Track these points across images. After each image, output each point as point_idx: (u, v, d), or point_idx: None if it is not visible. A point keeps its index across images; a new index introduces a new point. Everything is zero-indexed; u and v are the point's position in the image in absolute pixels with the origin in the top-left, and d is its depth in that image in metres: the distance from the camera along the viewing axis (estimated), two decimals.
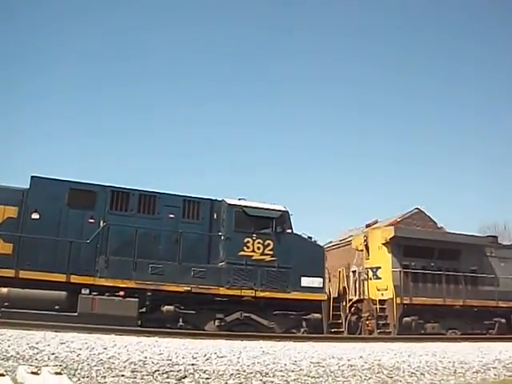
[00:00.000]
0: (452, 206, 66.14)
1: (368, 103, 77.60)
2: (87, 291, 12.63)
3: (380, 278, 16.34)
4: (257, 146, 77.66)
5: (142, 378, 6.57)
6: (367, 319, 15.87)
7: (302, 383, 6.91)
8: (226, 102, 77.64)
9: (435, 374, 8.22)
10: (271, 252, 14.38)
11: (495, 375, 8.53)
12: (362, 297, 16.56)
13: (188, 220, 14.30)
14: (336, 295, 15.90)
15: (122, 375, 6.60)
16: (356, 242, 18.19)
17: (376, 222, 31.09)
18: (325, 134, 77.11)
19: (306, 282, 14.58)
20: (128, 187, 14.11)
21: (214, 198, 14.77)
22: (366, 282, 16.63)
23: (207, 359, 7.89)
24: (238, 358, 8.15)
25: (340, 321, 15.39)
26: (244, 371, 7.26)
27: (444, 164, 74.91)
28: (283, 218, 14.77)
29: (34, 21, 67.12)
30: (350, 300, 16.05)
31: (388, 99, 76.17)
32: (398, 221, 29.72)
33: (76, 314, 12.30)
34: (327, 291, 14.95)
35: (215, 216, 14.58)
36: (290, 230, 14.82)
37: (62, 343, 8.21)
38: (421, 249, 16.60)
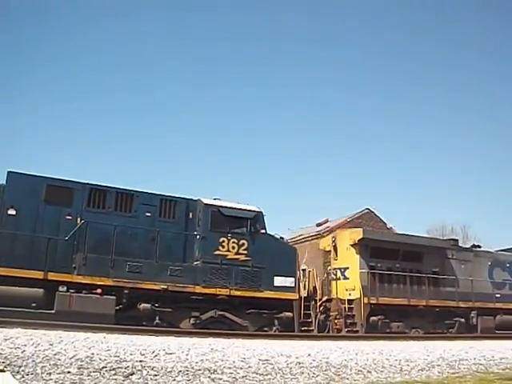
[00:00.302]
0: (401, 207, 67.83)
1: (315, 102, 78.37)
2: (64, 288, 12.61)
3: (348, 279, 16.83)
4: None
5: (88, 375, 6.49)
6: (335, 318, 16.32)
7: (251, 380, 6.94)
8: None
9: (381, 371, 8.36)
10: (245, 252, 14.65)
11: (439, 372, 8.75)
12: (330, 296, 16.99)
13: (164, 219, 14.43)
14: (306, 295, 16.25)
15: (68, 372, 6.50)
16: (324, 243, 18.65)
17: (327, 221, 31.62)
18: (281, 134, 77.58)
19: (278, 281, 14.93)
20: (105, 185, 14.12)
21: (190, 198, 14.94)
22: (334, 282, 17.08)
23: (155, 356, 7.86)
24: (187, 354, 8.15)
25: (310, 320, 15.75)
26: (192, 368, 7.27)
27: (395, 165, 76.60)
28: (257, 218, 15.07)
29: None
30: (320, 299, 16.43)
31: (335, 98, 77.14)
32: (348, 220, 30.03)
33: (53, 311, 12.28)
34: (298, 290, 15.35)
35: (191, 215, 14.76)
36: (263, 231, 15.15)
37: (6, 339, 8.07)
38: (387, 250, 17.18)
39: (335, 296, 16.80)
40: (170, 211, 14.56)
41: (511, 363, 10.26)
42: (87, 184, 13.90)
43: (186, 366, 7.29)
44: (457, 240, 20.62)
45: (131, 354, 7.70)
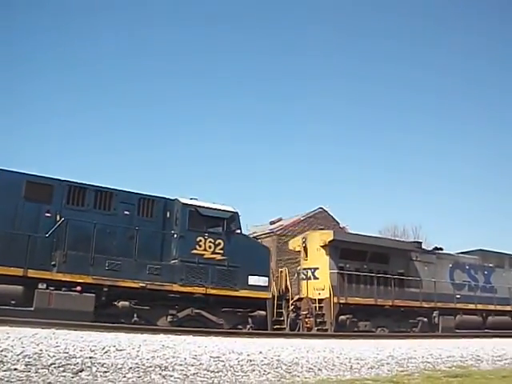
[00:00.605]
0: (355, 208, 69.06)
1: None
2: (44, 286, 12.65)
3: (318, 279, 17.33)
4: None
5: (36, 372, 6.36)
6: (306, 317, 16.80)
7: (202, 377, 6.90)
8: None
9: (332, 369, 8.41)
10: (221, 251, 14.98)
11: (388, 370, 8.81)
12: (300, 295, 17.46)
13: (142, 218, 14.61)
14: (278, 294, 16.67)
15: (15, 369, 6.35)
16: (294, 244, 19.10)
17: (280, 220, 31.94)
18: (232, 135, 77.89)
19: (253, 280, 15.32)
20: (84, 182, 14.20)
21: (167, 197, 15.16)
22: (304, 282, 17.56)
23: (106, 352, 7.77)
24: (138, 351, 8.08)
25: (282, 318, 16.19)
26: (143, 365, 7.23)
27: (349, 166, 77.86)
28: (233, 218, 15.43)
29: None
30: (292, 298, 16.89)
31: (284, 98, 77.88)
32: (301, 219, 30.16)
33: (32, 308, 12.31)
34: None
35: (168, 214, 14.98)
36: (239, 231, 15.53)
37: None
38: (355, 252, 17.80)
39: (305, 295, 17.26)
40: (148, 210, 14.76)
41: (457, 361, 10.52)
42: (66, 181, 13.94)
43: (137, 363, 7.27)
44: (420, 243, 21.47)
45: (81, 351, 7.64)
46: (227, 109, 74.94)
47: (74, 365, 6.82)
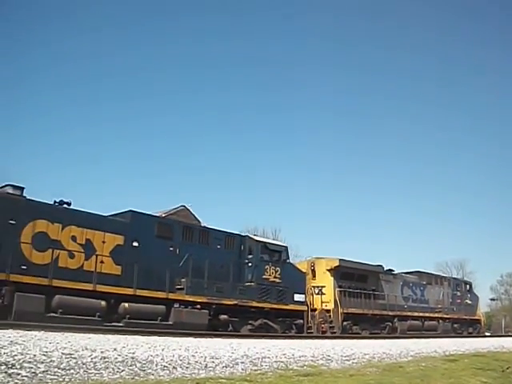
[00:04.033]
0: (218, 208, 74.23)
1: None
2: (177, 305, 16.68)
3: (324, 294, 22.85)
4: None
5: None
6: (321, 323, 22.24)
7: (52, 375, 6.56)
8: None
9: (187, 367, 8.37)
10: (279, 276, 19.91)
11: (242, 369, 8.83)
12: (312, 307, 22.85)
13: (227, 250, 19.02)
14: None
15: None
16: (300, 266, 24.33)
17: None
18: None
19: (296, 297, 20.44)
20: (192, 223, 18.34)
21: (242, 234, 19.76)
22: (313, 297, 22.97)
23: None
24: None
25: (310, 324, 21.49)
26: None
27: (212, 164, 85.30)
28: (286, 250, 20.50)
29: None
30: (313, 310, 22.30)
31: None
32: (163, 215, 29.94)
33: (171, 322, 16.34)
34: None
35: (242, 247, 19.55)
36: (288, 260, 20.57)
37: None
38: (349, 274, 23.73)
39: (318, 307, 22.66)
40: (230, 244, 19.20)
41: (309, 361, 10.84)
42: (181, 222, 18.02)
43: None
44: (382, 266, 27.83)
45: None
46: None
47: None
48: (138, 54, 79.09)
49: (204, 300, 17.34)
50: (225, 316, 17.90)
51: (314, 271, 23.53)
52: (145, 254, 16.49)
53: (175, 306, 16.61)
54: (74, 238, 15.18)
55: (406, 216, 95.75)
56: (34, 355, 7.41)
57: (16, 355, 7.22)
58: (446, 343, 19.18)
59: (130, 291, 15.63)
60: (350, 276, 23.81)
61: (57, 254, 14.55)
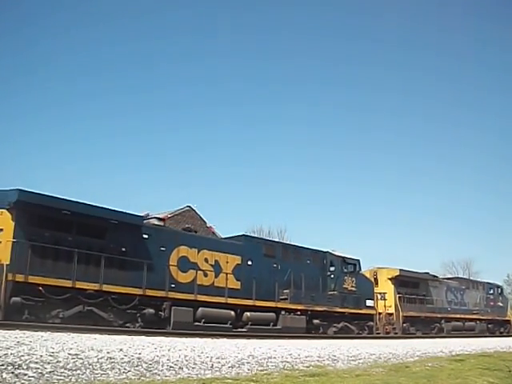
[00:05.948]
0: (223, 209, 74.89)
1: None
2: (283, 312, 20.35)
3: (386, 299, 26.54)
4: None
5: None
6: (385, 325, 25.95)
7: (58, 376, 6.58)
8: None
9: (193, 368, 8.37)
10: (355, 285, 23.61)
11: (248, 369, 8.84)
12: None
13: (315, 264, 22.69)
14: None
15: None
16: (365, 274, 27.99)
17: (148, 215, 33.65)
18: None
19: (368, 302, 24.15)
20: (288, 243, 22.11)
21: (324, 250, 23.43)
22: (377, 302, 26.67)
23: None
24: None
25: (377, 326, 25.20)
26: None
27: (216, 166, 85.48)
28: (359, 263, 24.20)
29: None
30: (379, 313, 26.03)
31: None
32: (169, 216, 30.72)
33: (280, 327, 20.02)
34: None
35: (325, 262, 23.23)
36: (360, 271, 24.30)
37: None
38: (405, 282, 27.57)
39: (382, 311, 26.32)
40: (315, 260, 22.86)
41: (315, 361, 10.97)
42: (280, 243, 21.79)
43: None
44: (429, 273, 31.45)
45: None
46: None
47: None
48: (145, 46, 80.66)
49: (302, 307, 21.00)
50: (317, 320, 21.58)
51: (376, 279, 27.19)
52: (256, 271, 20.15)
53: (282, 313, 20.28)
54: (206, 260, 18.79)
55: (411, 215, 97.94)
56: (41, 356, 7.50)
57: (23, 356, 7.32)
58: (452, 343, 20.92)
59: (250, 302, 19.28)
60: (406, 283, 27.57)
61: (195, 273, 18.25)
